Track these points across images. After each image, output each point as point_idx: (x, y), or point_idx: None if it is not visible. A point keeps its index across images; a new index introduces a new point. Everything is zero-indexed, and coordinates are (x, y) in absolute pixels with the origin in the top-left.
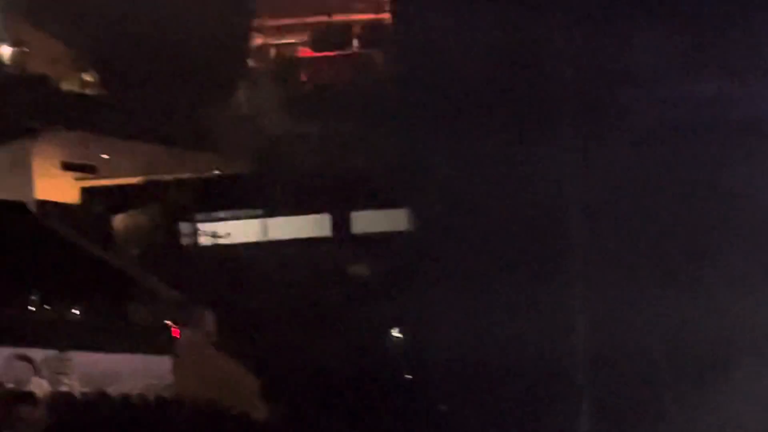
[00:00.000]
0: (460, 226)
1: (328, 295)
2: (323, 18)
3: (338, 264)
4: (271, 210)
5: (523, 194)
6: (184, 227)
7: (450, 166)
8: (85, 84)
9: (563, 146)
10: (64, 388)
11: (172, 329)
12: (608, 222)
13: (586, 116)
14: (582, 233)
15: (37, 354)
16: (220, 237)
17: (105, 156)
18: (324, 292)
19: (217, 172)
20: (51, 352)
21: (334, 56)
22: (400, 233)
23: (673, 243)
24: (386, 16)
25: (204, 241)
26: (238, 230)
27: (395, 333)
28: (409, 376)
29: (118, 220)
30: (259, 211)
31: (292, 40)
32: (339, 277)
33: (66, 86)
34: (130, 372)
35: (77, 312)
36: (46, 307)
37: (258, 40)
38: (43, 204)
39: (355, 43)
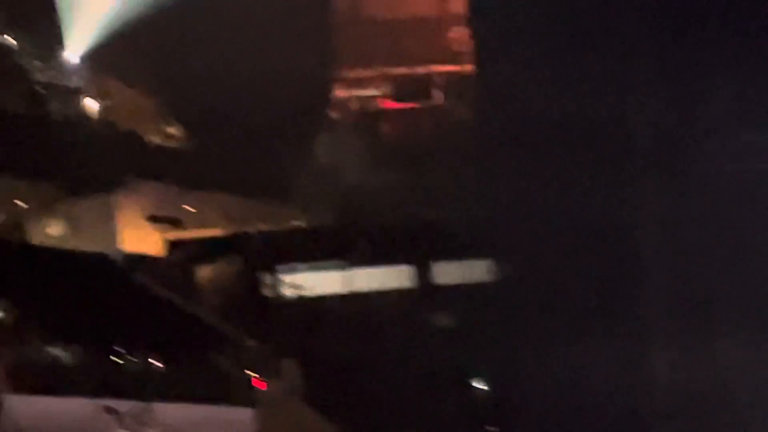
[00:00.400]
0: (542, 275)
1: (411, 346)
2: (405, 69)
3: (421, 315)
4: (353, 261)
5: (604, 242)
6: (266, 279)
7: (531, 215)
8: (169, 136)
9: (644, 195)
10: None
11: (255, 380)
12: (690, 269)
13: (666, 165)
14: (663, 280)
15: (122, 405)
16: (302, 288)
17: (189, 208)
18: (407, 343)
19: (299, 223)
20: (135, 404)
21: (416, 107)
22: (483, 284)
23: (757, 289)
24: (468, 67)
25: (286, 292)
26: (321, 281)
27: (478, 384)
28: (493, 428)
29: (202, 272)
30: (342, 263)
31: (374, 92)
32: (422, 328)
33: (150, 139)
34: (213, 423)
35: (161, 363)
36: (130, 358)
37: (339, 92)
38: (128, 256)
39: (437, 94)
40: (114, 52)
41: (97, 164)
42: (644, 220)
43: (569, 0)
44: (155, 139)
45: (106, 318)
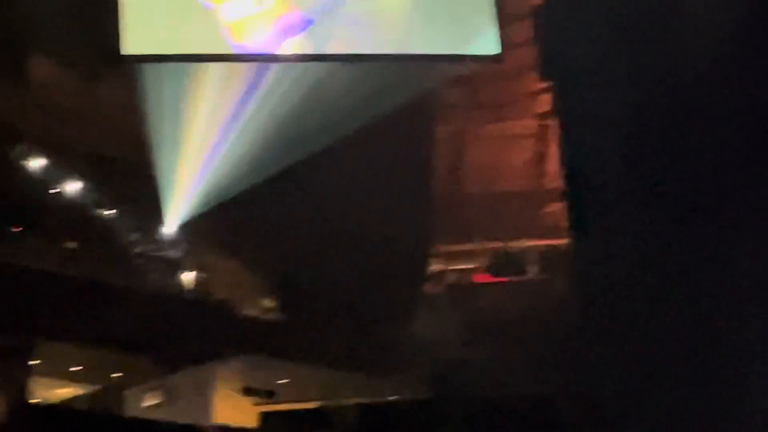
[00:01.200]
0: None
1: None
2: (500, 244)
3: None
4: None
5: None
6: None
7: (628, 395)
8: (265, 309)
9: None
10: None
11: None
12: None
13: None
14: None
15: None
16: None
17: (284, 381)
18: None
19: (394, 397)
20: None
21: (511, 282)
22: None
23: None
24: (563, 241)
25: None
26: None
27: None
28: None
29: None
30: None
31: (469, 266)
32: None
33: (247, 311)
34: None
35: None
36: None
37: (436, 266)
38: (222, 429)
39: (532, 269)
40: (212, 225)
41: (194, 336)
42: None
43: (663, 176)
44: (252, 312)
45: None
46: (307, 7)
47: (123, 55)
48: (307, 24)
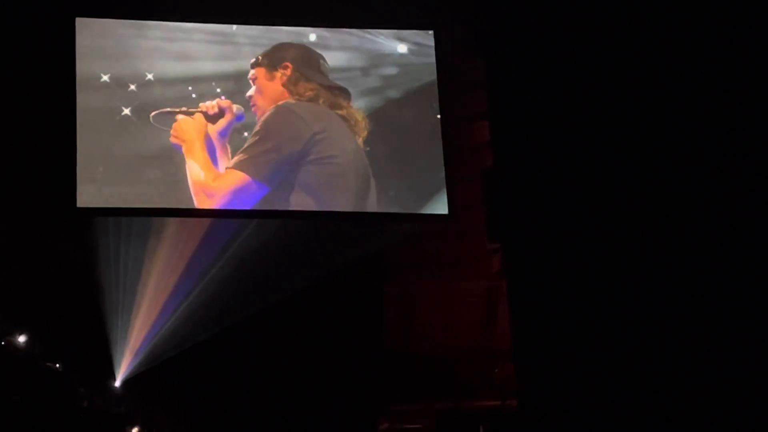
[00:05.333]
0: None
1: None
2: (449, 404)
3: None
4: None
5: None
6: None
7: None
8: None
9: None
10: None
11: None
12: None
13: None
14: None
15: None
16: None
17: None
18: None
19: None
20: None
21: None
22: None
23: None
24: (513, 402)
25: None
26: None
27: None
28: None
29: None
30: None
31: (417, 426)
32: None
33: None
34: None
35: None
36: None
37: (382, 426)
38: None
39: (481, 429)
40: (159, 381)
41: None
42: None
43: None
44: None
45: None
46: (262, 175)
47: (77, 208)
48: (263, 190)
